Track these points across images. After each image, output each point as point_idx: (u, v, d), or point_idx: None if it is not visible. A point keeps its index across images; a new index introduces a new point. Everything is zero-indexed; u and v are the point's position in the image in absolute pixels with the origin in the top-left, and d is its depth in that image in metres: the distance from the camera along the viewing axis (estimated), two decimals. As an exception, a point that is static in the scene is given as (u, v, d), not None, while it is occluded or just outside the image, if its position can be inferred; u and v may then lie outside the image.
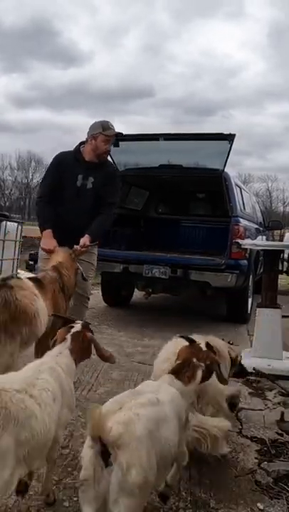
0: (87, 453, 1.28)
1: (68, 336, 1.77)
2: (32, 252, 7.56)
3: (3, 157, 68.53)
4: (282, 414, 2.57)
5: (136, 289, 5.79)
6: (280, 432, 2.40)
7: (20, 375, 1.54)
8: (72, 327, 1.81)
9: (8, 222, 4.89)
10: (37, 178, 58.15)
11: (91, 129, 3.23)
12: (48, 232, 3.10)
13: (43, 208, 3.24)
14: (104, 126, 3.19)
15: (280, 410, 2.65)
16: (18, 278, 2.55)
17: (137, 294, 5.70)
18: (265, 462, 2.08)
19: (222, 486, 1.88)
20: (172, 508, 1.71)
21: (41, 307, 2.40)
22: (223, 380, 1.80)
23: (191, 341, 1.81)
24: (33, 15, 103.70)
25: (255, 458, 2.13)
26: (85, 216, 3.12)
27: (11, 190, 56.59)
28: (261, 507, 1.75)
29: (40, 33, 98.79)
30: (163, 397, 1.48)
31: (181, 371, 1.64)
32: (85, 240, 3.02)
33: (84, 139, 3.28)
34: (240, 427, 2.45)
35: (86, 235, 3.04)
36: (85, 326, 1.85)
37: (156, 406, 1.41)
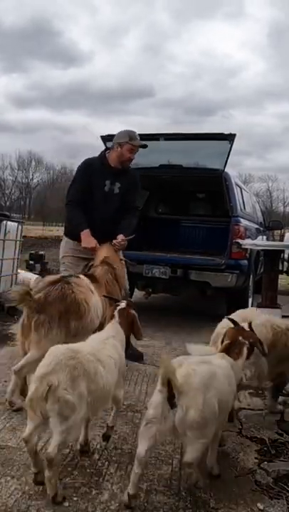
0: (157, 397, 1.63)
1: (116, 313, 2.17)
2: (32, 251, 7.56)
3: (4, 157, 68.95)
4: (282, 414, 2.57)
5: (136, 289, 5.79)
6: (280, 431, 2.41)
7: (90, 344, 1.97)
8: (118, 305, 2.22)
9: (9, 222, 4.90)
10: (37, 177, 58.41)
11: (118, 137, 3.42)
12: (87, 231, 3.24)
13: (74, 211, 3.37)
14: (130, 136, 3.38)
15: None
16: (77, 276, 2.74)
17: (137, 294, 5.70)
18: (265, 462, 2.08)
19: (222, 486, 1.88)
20: (172, 508, 1.71)
21: (96, 303, 2.61)
22: (265, 355, 2.16)
23: (236, 323, 2.13)
24: (33, 15, 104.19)
25: (255, 458, 2.13)
26: (110, 220, 3.32)
27: (12, 190, 56.66)
28: (261, 507, 1.75)
29: (41, 33, 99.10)
30: (215, 362, 1.86)
31: (230, 349, 1.98)
32: (121, 236, 3.24)
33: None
34: (240, 427, 2.45)
35: (120, 234, 3.26)
36: (129, 304, 2.24)
37: (209, 365, 1.78)
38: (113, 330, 2.10)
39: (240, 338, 2.02)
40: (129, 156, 3.40)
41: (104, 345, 1.97)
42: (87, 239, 3.22)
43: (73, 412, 1.65)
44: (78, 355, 1.76)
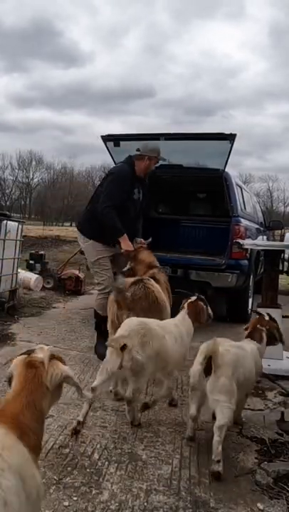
0: (197, 367, 2.13)
1: (185, 305, 2.70)
2: (32, 251, 7.56)
3: (4, 157, 68.75)
4: (282, 414, 2.57)
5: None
6: (280, 431, 2.40)
7: (158, 322, 2.52)
8: (190, 298, 2.73)
9: (9, 222, 4.90)
10: (37, 177, 58.37)
11: (148, 150, 3.76)
12: (126, 236, 3.63)
13: (114, 216, 3.60)
14: (158, 152, 3.81)
15: (280, 410, 2.65)
16: (148, 278, 3.18)
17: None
18: (265, 462, 2.08)
19: (222, 486, 1.88)
20: (172, 508, 1.71)
21: (166, 299, 3.12)
22: (281, 341, 2.68)
23: (259, 314, 2.68)
24: (34, 15, 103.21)
25: (255, 458, 2.13)
26: (134, 224, 3.85)
27: (12, 189, 56.65)
28: (261, 507, 1.75)
29: (41, 33, 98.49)
30: (246, 347, 2.34)
31: (253, 335, 2.49)
32: (141, 239, 3.87)
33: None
34: (240, 427, 2.45)
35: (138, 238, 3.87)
36: (200, 299, 2.73)
37: (239, 348, 2.25)
38: (180, 317, 2.65)
39: (259, 325, 2.53)
40: (153, 168, 3.89)
41: (169, 325, 2.55)
42: (127, 242, 3.62)
43: (142, 369, 2.22)
44: (148, 326, 2.33)
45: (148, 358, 2.25)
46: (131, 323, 2.35)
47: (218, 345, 2.11)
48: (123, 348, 2.18)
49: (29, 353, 1.31)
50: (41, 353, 1.30)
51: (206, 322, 2.74)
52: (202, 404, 2.17)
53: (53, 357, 1.32)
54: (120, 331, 2.33)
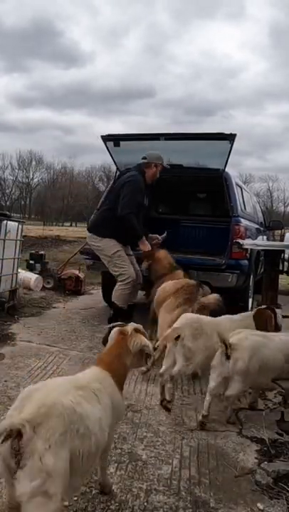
0: (218, 353, 2.42)
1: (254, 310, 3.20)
2: (32, 251, 7.55)
3: (4, 157, 69.01)
4: (282, 414, 2.57)
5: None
6: (280, 431, 2.40)
7: (212, 318, 2.94)
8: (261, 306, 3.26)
9: (9, 222, 4.90)
10: (37, 177, 58.40)
11: (155, 157, 4.09)
12: (144, 238, 4.06)
13: (135, 222, 3.95)
14: (162, 159, 4.12)
15: (280, 410, 2.65)
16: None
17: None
18: (265, 462, 2.08)
19: (222, 486, 1.88)
20: (172, 508, 1.71)
21: None
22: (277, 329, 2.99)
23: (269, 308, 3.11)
24: (34, 15, 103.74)
25: (255, 458, 2.13)
26: (140, 224, 4.08)
27: (12, 189, 56.66)
28: (261, 507, 1.75)
29: (42, 33, 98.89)
30: (271, 336, 2.64)
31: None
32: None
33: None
34: (240, 426, 2.45)
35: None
36: (270, 308, 3.12)
37: (262, 337, 2.55)
38: (242, 315, 3.10)
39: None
40: (158, 176, 4.17)
41: (223, 322, 2.88)
42: (146, 244, 4.05)
43: (192, 355, 2.57)
44: (200, 321, 2.73)
45: (197, 347, 2.61)
46: (187, 317, 2.78)
47: (238, 333, 2.53)
48: (177, 338, 2.58)
49: (122, 326, 1.90)
50: (130, 327, 1.87)
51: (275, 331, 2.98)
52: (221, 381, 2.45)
53: (137, 330, 1.87)
54: (176, 323, 2.71)
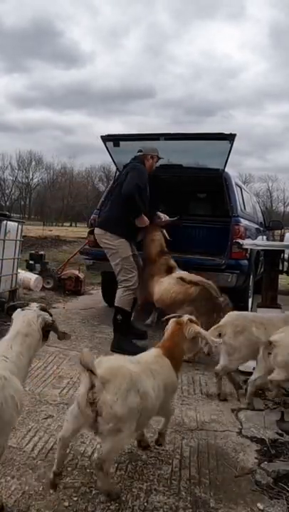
0: (261, 349, 2.58)
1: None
2: (32, 251, 7.55)
3: (4, 157, 68.89)
4: (282, 414, 2.57)
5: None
6: (280, 432, 2.40)
7: (258, 314, 3.24)
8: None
9: (9, 222, 4.90)
10: (37, 177, 58.35)
11: (150, 150, 4.18)
12: (143, 215, 3.96)
13: (138, 198, 3.86)
14: (157, 151, 4.22)
15: (280, 410, 2.65)
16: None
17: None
18: (265, 462, 2.08)
19: (222, 486, 1.88)
20: (172, 508, 1.71)
21: None
22: None
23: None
24: (34, 15, 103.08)
25: (255, 458, 2.13)
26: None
27: (12, 189, 56.64)
28: (261, 507, 1.75)
29: (42, 33, 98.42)
30: None
31: None
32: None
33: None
34: (240, 427, 2.45)
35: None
36: None
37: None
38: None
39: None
40: (154, 168, 4.26)
41: (266, 319, 2.96)
42: (144, 219, 3.95)
43: (233, 351, 2.79)
44: (243, 318, 2.90)
45: (239, 344, 2.80)
46: (230, 315, 2.96)
47: (281, 331, 2.63)
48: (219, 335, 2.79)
49: (179, 317, 2.22)
50: (185, 318, 2.19)
51: None
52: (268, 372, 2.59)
53: (191, 320, 2.17)
54: (221, 321, 2.92)
